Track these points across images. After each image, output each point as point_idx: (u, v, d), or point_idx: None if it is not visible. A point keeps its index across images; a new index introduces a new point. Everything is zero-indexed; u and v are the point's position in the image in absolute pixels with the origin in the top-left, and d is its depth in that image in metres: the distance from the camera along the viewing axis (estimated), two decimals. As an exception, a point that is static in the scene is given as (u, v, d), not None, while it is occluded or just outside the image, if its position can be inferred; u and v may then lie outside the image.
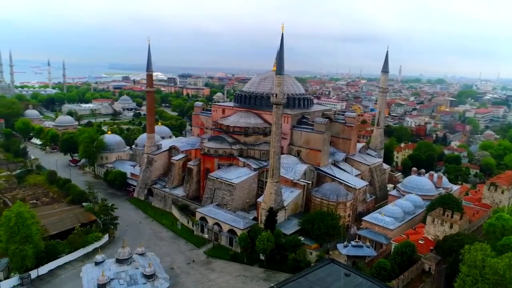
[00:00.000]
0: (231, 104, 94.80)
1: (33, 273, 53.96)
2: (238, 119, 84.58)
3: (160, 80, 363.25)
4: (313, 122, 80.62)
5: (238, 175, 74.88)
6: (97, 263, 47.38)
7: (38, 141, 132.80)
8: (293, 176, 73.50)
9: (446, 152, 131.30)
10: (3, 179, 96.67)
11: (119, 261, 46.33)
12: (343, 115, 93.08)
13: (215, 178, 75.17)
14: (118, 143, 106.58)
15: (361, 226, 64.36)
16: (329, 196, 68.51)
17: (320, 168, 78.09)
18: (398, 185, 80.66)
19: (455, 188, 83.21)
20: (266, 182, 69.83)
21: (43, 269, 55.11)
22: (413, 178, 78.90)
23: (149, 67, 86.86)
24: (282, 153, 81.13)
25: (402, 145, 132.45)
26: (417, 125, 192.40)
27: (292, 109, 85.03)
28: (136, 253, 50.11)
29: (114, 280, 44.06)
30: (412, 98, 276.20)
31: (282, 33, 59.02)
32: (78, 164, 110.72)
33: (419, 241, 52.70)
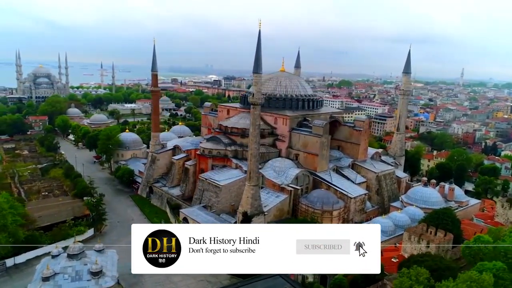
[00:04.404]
0: (237, 105, 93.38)
1: (10, 261, 56.58)
2: (238, 120, 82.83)
3: (206, 82, 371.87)
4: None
5: (228, 176, 72.99)
6: (53, 256, 48.32)
7: (72, 138, 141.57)
8: (283, 180, 70.03)
9: (486, 162, 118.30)
10: (29, 171, 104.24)
11: (70, 256, 46.77)
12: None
13: (204, 179, 74.08)
14: (134, 141, 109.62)
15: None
16: (315, 203, 64.09)
17: (316, 173, 73.68)
18: (402, 196, 73.56)
19: (473, 202, 73.98)
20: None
21: (20, 258, 57.48)
22: (418, 189, 71.31)
23: (153, 67, 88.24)
24: (279, 156, 78.57)
25: (435, 152, 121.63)
26: (465, 132, 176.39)
27: (294, 111, 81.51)
28: (94, 250, 50.57)
29: (59, 274, 44.52)
30: (466, 103, 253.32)
31: (259, 30, 56.23)
32: (99, 160, 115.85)
33: (392, 259, 47.10)
